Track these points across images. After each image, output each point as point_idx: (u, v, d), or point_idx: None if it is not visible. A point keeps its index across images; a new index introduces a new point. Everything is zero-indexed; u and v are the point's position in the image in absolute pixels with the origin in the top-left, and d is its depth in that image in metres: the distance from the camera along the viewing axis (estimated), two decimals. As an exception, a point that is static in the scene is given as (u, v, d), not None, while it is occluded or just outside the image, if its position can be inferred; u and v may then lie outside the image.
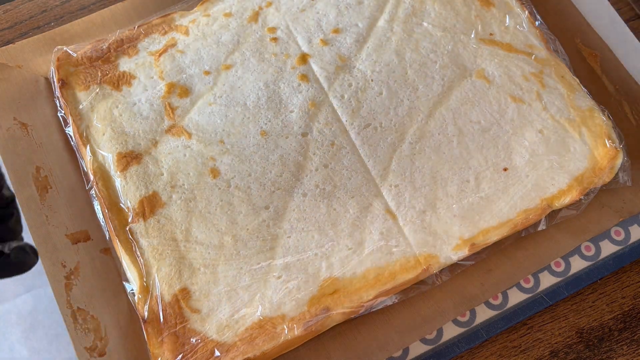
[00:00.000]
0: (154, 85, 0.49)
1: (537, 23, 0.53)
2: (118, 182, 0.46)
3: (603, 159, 0.48)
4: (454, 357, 0.44)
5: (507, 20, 0.53)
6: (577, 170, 0.47)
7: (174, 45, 0.51)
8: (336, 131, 0.48)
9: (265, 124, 0.48)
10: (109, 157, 0.47)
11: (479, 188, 0.47)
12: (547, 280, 0.46)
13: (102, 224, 0.46)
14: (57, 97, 0.49)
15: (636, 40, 0.54)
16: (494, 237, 0.45)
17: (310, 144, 0.48)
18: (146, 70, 0.50)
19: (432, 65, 0.51)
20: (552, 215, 0.47)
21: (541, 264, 0.46)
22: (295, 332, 0.42)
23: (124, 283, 0.44)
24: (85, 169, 0.47)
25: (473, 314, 0.45)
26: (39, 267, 0.45)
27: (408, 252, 0.45)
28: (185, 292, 0.43)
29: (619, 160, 0.48)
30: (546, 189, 0.47)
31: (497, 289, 0.45)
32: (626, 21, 0.56)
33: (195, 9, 0.53)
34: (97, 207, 0.46)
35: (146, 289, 0.43)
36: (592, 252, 0.47)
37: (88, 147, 0.47)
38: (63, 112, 0.49)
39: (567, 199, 0.46)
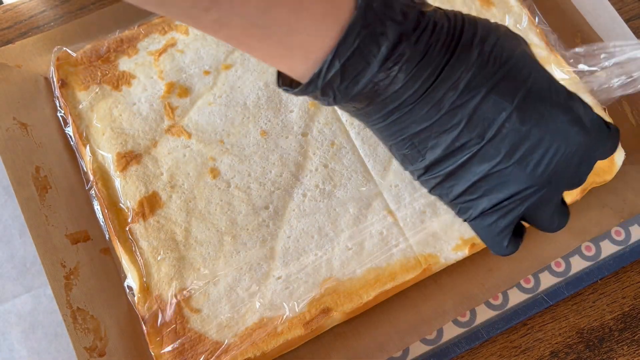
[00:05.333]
0: (153, 85, 0.49)
1: (537, 21, 0.53)
2: (118, 182, 0.46)
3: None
4: (454, 358, 0.44)
5: (507, 20, 0.53)
6: (577, 170, 0.47)
7: (173, 44, 0.51)
8: (336, 131, 0.48)
9: (265, 123, 0.48)
10: (108, 157, 0.47)
11: (479, 188, 0.46)
12: (548, 281, 0.46)
13: (101, 224, 0.46)
14: (57, 97, 0.49)
15: (636, 40, 0.54)
16: (494, 237, 0.45)
17: (310, 144, 0.48)
18: (146, 70, 0.50)
19: (432, 65, 0.51)
20: (553, 215, 0.47)
21: (541, 264, 0.46)
22: (296, 332, 0.42)
23: (124, 283, 0.44)
24: (84, 169, 0.47)
25: (473, 314, 0.45)
26: (38, 267, 0.45)
27: (408, 252, 0.44)
28: (185, 292, 0.43)
29: (620, 160, 0.48)
30: (546, 189, 0.47)
31: (497, 288, 0.45)
32: (626, 21, 0.56)
33: (195, 8, 0.53)
34: (97, 207, 0.46)
35: (146, 289, 0.43)
36: (592, 252, 0.47)
37: (88, 147, 0.47)
38: (63, 112, 0.49)
39: (567, 199, 0.46)
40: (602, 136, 0.32)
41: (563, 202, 0.34)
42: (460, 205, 0.32)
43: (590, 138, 0.30)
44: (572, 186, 0.32)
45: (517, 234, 0.33)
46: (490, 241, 0.33)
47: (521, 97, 0.29)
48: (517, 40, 0.31)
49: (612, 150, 0.33)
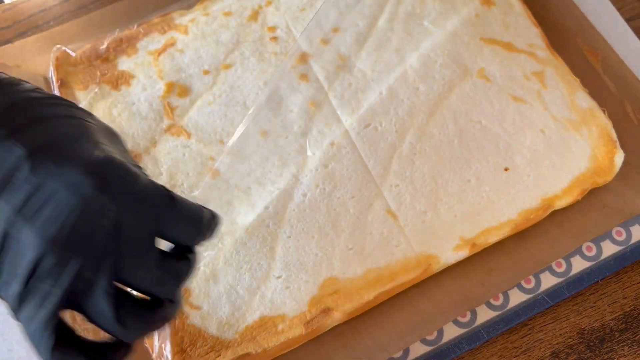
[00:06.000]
0: (153, 84, 0.49)
1: (538, 22, 0.53)
2: (117, 182, 0.46)
3: (604, 159, 0.47)
4: (454, 358, 0.44)
5: (508, 19, 0.53)
6: (578, 170, 0.47)
7: (173, 44, 0.51)
8: (336, 131, 0.48)
9: (265, 123, 0.48)
10: (108, 156, 0.46)
11: (480, 188, 0.46)
12: (548, 281, 0.46)
13: (101, 224, 0.45)
14: (56, 96, 0.49)
15: (637, 39, 0.54)
16: (495, 237, 0.45)
17: (310, 144, 0.48)
18: (145, 69, 0.50)
19: (433, 64, 0.51)
20: (553, 215, 0.47)
21: (542, 264, 0.45)
22: (296, 331, 0.42)
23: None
24: (84, 168, 0.47)
25: (474, 314, 0.45)
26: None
27: (409, 252, 0.44)
28: (185, 290, 0.43)
29: (620, 160, 0.48)
30: (547, 189, 0.47)
31: (498, 289, 0.45)
32: (627, 20, 0.56)
33: (194, 7, 0.53)
34: (96, 207, 0.46)
35: (145, 289, 0.43)
36: (593, 253, 0.47)
37: (87, 147, 0.47)
38: (62, 111, 0.49)
39: (568, 199, 0.46)
40: (153, 201, 0.26)
41: (150, 302, 0.27)
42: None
43: (116, 197, 0.25)
44: (134, 271, 0.25)
45: (101, 351, 0.26)
46: (32, 341, 0.25)
47: (40, 143, 0.25)
48: (70, 106, 0.29)
49: (194, 232, 0.28)
